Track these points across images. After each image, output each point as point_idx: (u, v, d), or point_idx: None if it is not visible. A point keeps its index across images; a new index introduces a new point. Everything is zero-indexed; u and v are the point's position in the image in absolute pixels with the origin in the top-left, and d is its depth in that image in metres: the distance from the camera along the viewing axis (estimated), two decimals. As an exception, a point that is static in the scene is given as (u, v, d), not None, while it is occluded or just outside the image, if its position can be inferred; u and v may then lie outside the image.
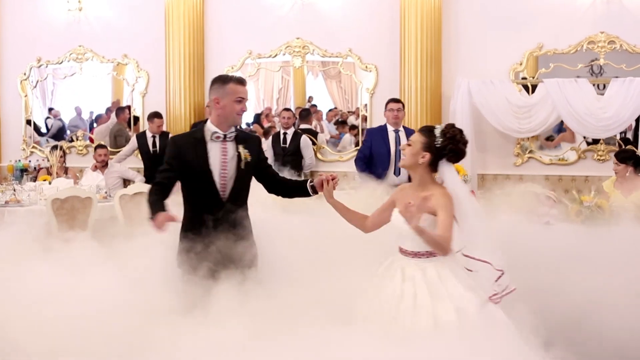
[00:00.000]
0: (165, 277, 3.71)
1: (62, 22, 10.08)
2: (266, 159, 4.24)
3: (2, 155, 10.54)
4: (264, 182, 4.14)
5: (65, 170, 8.75)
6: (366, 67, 9.16)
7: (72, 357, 3.05)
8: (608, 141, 8.50)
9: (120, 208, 7.08)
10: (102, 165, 8.85)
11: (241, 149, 3.94)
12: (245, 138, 4.05)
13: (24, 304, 3.34)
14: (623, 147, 8.11)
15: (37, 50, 10.20)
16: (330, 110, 9.54)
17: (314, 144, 9.17)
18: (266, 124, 9.60)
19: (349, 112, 9.45)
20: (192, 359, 2.88)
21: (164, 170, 3.96)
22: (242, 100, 3.93)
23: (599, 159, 8.51)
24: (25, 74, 10.31)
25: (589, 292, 4.20)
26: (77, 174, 8.32)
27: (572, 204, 5.77)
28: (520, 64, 8.66)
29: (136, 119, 10.02)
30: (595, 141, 8.53)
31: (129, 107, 10.07)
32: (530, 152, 8.75)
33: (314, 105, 9.54)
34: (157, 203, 3.83)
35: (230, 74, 4.29)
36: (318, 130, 9.49)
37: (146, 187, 7.35)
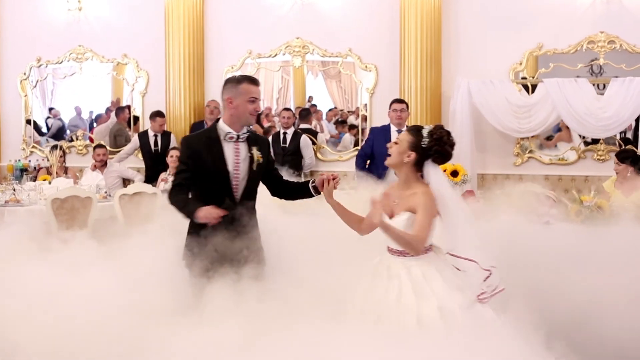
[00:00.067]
0: (170, 276, 3.69)
1: (62, 21, 10.08)
2: (274, 161, 4.24)
3: (2, 155, 10.54)
4: (270, 184, 4.14)
5: (65, 170, 8.75)
6: (366, 67, 9.16)
7: (72, 358, 3.05)
8: (608, 141, 8.50)
9: (120, 208, 7.08)
10: (101, 165, 8.86)
11: (254, 150, 3.95)
12: (256, 139, 4.07)
13: (24, 304, 3.34)
14: (623, 147, 8.11)
15: (37, 50, 10.19)
16: (330, 110, 9.54)
17: (313, 143, 9.17)
18: (266, 124, 9.60)
19: (348, 111, 9.45)
20: (192, 358, 2.88)
21: (181, 171, 3.92)
22: (255, 100, 3.93)
23: (598, 159, 8.51)
24: (25, 73, 10.31)
25: (588, 292, 4.20)
26: (77, 174, 8.32)
27: (572, 204, 5.77)
28: (520, 64, 8.66)
29: (136, 118, 10.02)
30: (595, 141, 8.53)
31: (128, 107, 10.06)
32: (530, 152, 8.75)
33: (314, 105, 9.54)
34: (189, 201, 3.82)
35: (243, 74, 4.29)
36: (318, 130, 9.49)
37: (146, 187, 7.45)
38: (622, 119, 8.11)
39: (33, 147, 10.32)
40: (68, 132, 10.36)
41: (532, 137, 8.69)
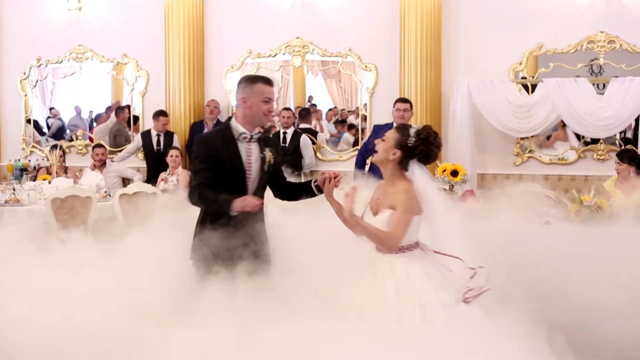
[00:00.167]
0: (171, 276, 3.69)
1: (62, 21, 10.07)
2: (280, 162, 4.25)
3: (2, 154, 10.53)
4: (275, 185, 4.13)
5: (65, 170, 8.75)
6: (366, 66, 9.16)
7: (72, 358, 3.05)
8: (608, 141, 8.50)
9: (120, 207, 7.09)
10: (101, 165, 8.86)
11: (267, 151, 3.96)
12: (267, 140, 4.07)
13: (23, 304, 3.34)
14: (623, 147, 8.10)
15: (37, 49, 10.19)
16: (330, 109, 9.54)
17: (313, 143, 9.17)
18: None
19: (348, 111, 9.45)
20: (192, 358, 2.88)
21: (201, 170, 3.87)
22: (269, 100, 3.93)
23: (598, 159, 8.51)
24: (25, 73, 10.31)
25: (588, 292, 4.20)
26: (77, 174, 8.32)
27: (572, 204, 5.77)
28: (520, 64, 8.66)
29: (136, 118, 10.02)
30: (595, 141, 8.53)
31: (128, 107, 10.06)
32: (530, 151, 8.75)
33: (314, 105, 9.54)
34: (219, 195, 3.78)
35: (258, 74, 4.29)
36: (318, 129, 9.49)
37: (146, 187, 7.45)
38: (622, 119, 8.11)
39: (33, 146, 10.31)
40: (68, 131, 10.35)
41: (532, 137, 8.69)
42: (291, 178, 4.44)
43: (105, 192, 7.75)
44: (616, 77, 8.22)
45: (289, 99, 9.62)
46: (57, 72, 10.29)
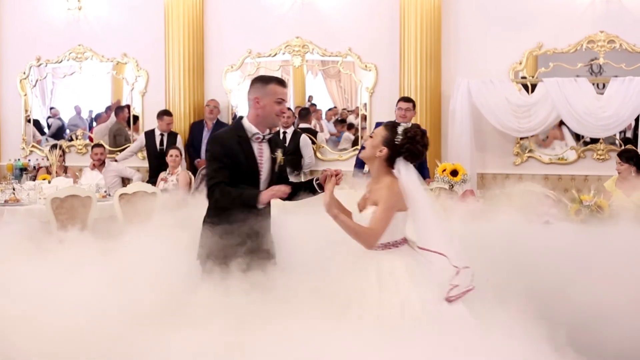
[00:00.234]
0: (173, 275, 3.69)
1: (62, 21, 10.07)
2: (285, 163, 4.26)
3: (2, 154, 10.53)
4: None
5: (65, 170, 8.75)
6: (366, 66, 9.16)
7: (72, 358, 3.05)
8: (608, 140, 8.50)
9: (120, 207, 7.08)
10: (100, 164, 8.86)
11: (279, 152, 3.99)
12: (276, 141, 4.09)
13: (23, 305, 3.33)
14: (623, 146, 8.09)
15: (37, 49, 10.19)
16: (329, 109, 9.54)
17: (313, 143, 9.17)
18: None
19: (348, 111, 9.45)
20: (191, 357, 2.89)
21: (219, 169, 3.86)
22: (282, 101, 3.95)
23: (598, 159, 8.51)
24: (24, 73, 10.31)
25: (588, 291, 4.19)
26: (77, 173, 8.32)
27: (572, 204, 5.77)
28: (520, 64, 8.66)
29: (135, 118, 10.02)
30: (595, 140, 8.53)
31: (128, 107, 10.06)
32: (530, 151, 8.75)
33: (314, 105, 9.54)
34: (243, 190, 3.82)
35: (271, 75, 4.30)
36: (317, 129, 9.49)
37: (146, 186, 7.45)
38: (621, 119, 8.11)
39: (33, 146, 10.31)
40: (68, 131, 10.35)
41: (531, 136, 8.69)
42: (291, 178, 4.45)
43: (105, 191, 7.74)
44: (616, 76, 8.22)
45: (288, 98, 9.62)
46: (56, 71, 10.29)
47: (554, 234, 5.01)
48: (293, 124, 8.97)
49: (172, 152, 8.40)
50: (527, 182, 7.58)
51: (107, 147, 9.78)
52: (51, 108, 10.41)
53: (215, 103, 9.30)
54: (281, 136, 8.73)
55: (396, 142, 3.52)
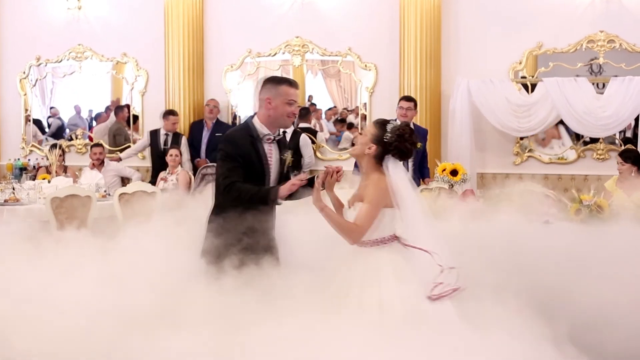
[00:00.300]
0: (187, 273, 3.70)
1: (62, 20, 10.07)
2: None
3: (1, 153, 10.53)
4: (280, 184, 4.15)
5: (65, 169, 8.74)
6: (365, 66, 9.16)
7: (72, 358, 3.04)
8: (607, 140, 8.49)
9: (120, 207, 7.08)
10: (99, 164, 8.86)
11: (288, 154, 4.02)
12: (284, 142, 4.11)
13: (23, 304, 3.33)
14: (623, 146, 8.09)
15: (37, 48, 10.19)
16: (329, 109, 9.54)
17: (313, 142, 9.17)
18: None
19: (348, 110, 9.44)
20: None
21: (235, 168, 3.86)
22: (293, 102, 3.96)
23: (598, 158, 8.50)
24: (24, 72, 10.30)
25: (588, 291, 4.19)
26: (77, 173, 8.32)
27: (572, 203, 5.77)
28: (520, 63, 8.66)
29: (135, 117, 10.02)
30: (595, 140, 8.53)
31: (128, 106, 10.06)
32: (530, 151, 8.75)
33: (314, 104, 9.54)
34: (260, 187, 3.84)
35: (283, 76, 4.30)
36: (317, 128, 9.49)
37: (146, 186, 7.45)
38: (621, 118, 8.11)
39: (32, 146, 10.31)
40: (67, 131, 10.35)
41: (531, 136, 8.69)
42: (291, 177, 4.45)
43: (105, 191, 7.74)
44: (616, 76, 8.22)
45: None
46: (56, 71, 10.29)
47: (554, 234, 5.01)
48: (293, 123, 8.95)
49: (172, 151, 8.40)
50: (527, 181, 7.59)
51: (107, 146, 9.78)
52: (51, 108, 10.40)
53: (215, 103, 9.30)
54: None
55: (385, 140, 3.55)
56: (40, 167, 9.40)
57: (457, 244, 4.32)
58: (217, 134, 9.10)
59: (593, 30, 8.39)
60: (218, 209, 3.96)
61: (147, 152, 9.49)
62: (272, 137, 3.96)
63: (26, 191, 7.08)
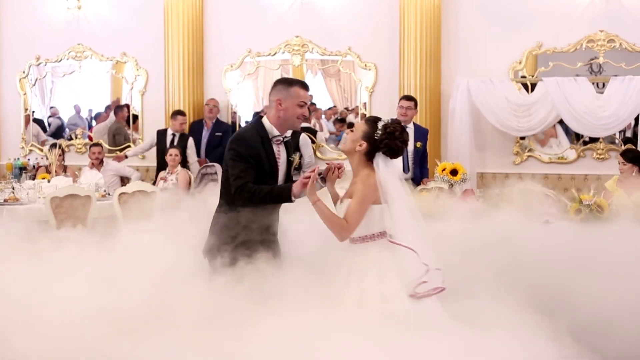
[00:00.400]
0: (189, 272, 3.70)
1: (61, 20, 10.06)
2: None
3: (1, 153, 10.53)
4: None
5: (64, 169, 8.74)
6: (365, 65, 9.16)
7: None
8: (607, 140, 8.50)
9: (119, 206, 7.08)
10: (98, 163, 8.85)
11: (296, 155, 4.03)
12: (291, 143, 4.10)
13: (22, 305, 3.33)
14: (623, 146, 8.09)
15: (36, 48, 10.18)
16: (329, 108, 9.54)
17: (313, 142, 9.17)
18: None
19: (348, 110, 9.45)
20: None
21: (247, 169, 3.85)
22: (304, 104, 3.96)
23: (598, 158, 8.51)
24: (24, 72, 10.29)
25: (588, 291, 4.19)
26: (76, 172, 8.32)
27: (572, 203, 5.77)
28: (520, 63, 8.66)
29: (135, 117, 10.01)
30: (594, 140, 8.53)
31: (127, 106, 10.05)
32: (530, 150, 8.75)
33: (313, 104, 9.53)
34: (273, 187, 3.85)
35: (295, 78, 4.29)
36: (317, 128, 9.49)
37: (145, 185, 7.44)
38: (621, 118, 8.12)
39: (32, 145, 10.31)
40: (67, 130, 10.35)
41: (531, 135, 8.69)
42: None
43: (105, 190, 7.74)
44: (616, 76, 8.22)
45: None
46: (56, 70, 10.28)
47: (554, 233, 5.00)
48: (295, 123, 8.95)
49: (172, 151, 8.39)
50: (526, 181, 7.58)
51: (106, 146, 9.78)
52: (50, 107, 10.40)
53: (214, 102, 9.29)
54: (280, 135, 8.73)
55: (375, 137, 3.55)
56: (40, 166, 9.39)
57: (457, 243, 4.33)
58: (216, 134, 9.10)
59: (593, 30, 8.40)
60: (224, 208, 3.95)
61: (147, 152, 9.48)
62: (281, 139, 3.96)
63: (26, 191, 7.07)
